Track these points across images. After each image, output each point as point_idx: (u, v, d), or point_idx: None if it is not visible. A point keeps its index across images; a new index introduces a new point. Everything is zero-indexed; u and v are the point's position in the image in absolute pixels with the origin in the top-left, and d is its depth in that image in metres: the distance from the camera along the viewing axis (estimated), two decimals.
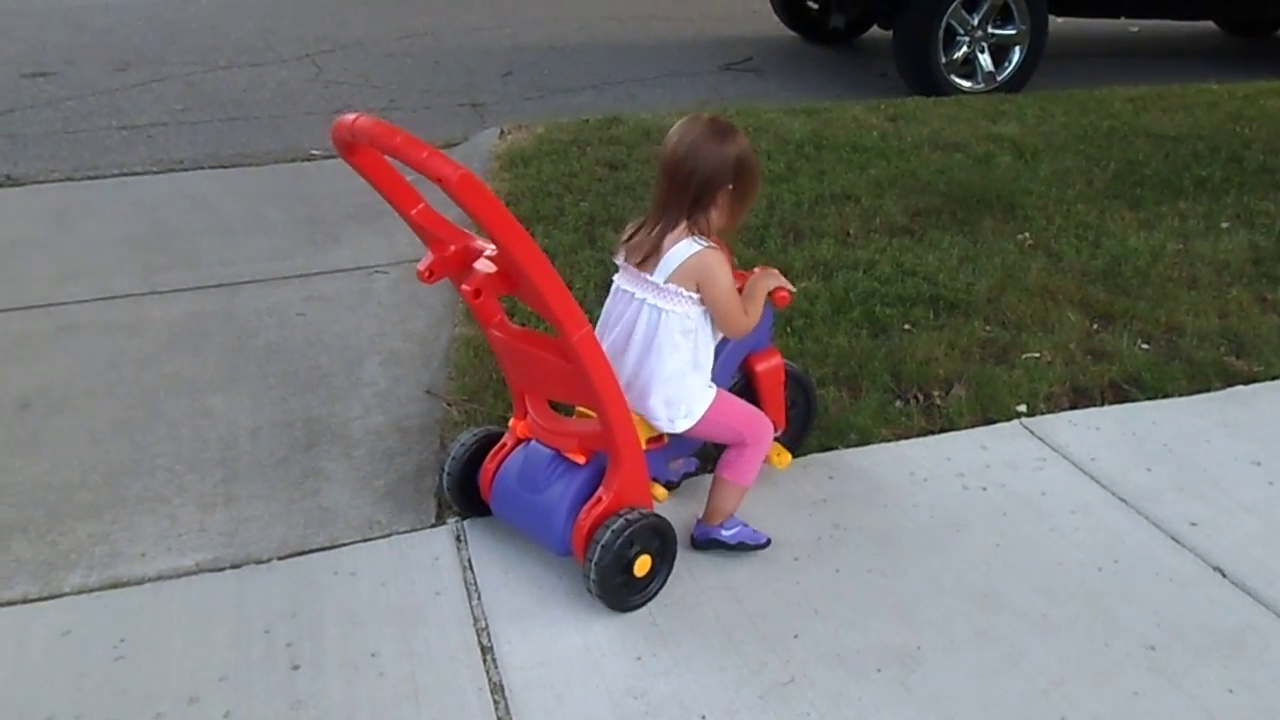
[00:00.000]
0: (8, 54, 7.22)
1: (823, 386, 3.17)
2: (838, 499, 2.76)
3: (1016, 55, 6.75)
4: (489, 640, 2.28)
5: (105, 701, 2.12)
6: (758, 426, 2.50)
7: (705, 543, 2.53)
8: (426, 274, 2.25)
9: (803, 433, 2.91)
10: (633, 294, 2.38)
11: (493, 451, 2.55)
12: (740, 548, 2.52)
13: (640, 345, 2.37)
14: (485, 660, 2.23)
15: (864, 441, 2.99)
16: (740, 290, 2.44)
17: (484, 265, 2.22)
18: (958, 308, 3.68)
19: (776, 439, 2.72)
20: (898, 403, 3.17)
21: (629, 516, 2.29)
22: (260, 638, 2.28)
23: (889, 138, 5.42)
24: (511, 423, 2.55)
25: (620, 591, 2.33)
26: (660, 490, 2.53)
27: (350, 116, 2.06)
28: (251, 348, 3.47)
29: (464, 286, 2.22)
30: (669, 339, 2.34)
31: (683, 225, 2.33)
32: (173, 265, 4.06)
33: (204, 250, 4.19)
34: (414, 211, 2.26)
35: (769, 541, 2.55)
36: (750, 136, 2.48)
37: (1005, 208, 4.55)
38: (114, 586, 2.44)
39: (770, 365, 2.67)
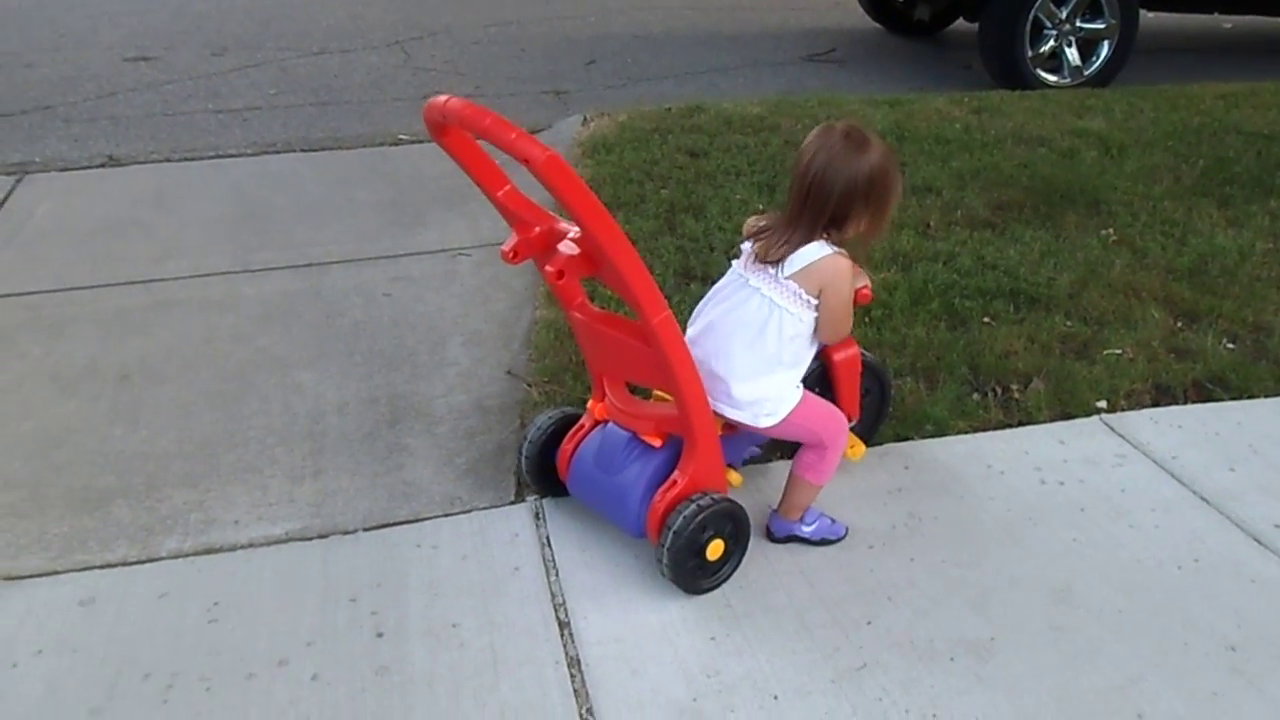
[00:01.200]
0: (111, 39, 7.45)
1: (900, 377, 3.17)
2: (913, 489, 2.76)
3: (1104, 50, 6.61)
4: (566, 615, 2.33)
5: (200, 661, 2.21)
6: (836, 428, 2.49)
7: (784, 538, 2.55)
8: (511, 254, 2.27)
9: (876, 422, 2.91)
10: (747, 279, 2.36)
11: (571, 432, 2.58)
12: (822, 543, 2.54)
13: (741, 332, 2.34)
14: (563, 635, 2.28)
15: (940, 433, 2.99)
16: None
17: (567, 247, 2.24)
18: (1038, 302, 3.65)
19: (851, 429, 2.73)
20: (975, 395, 3.16)
21: (702, 501, 2.31)
22: (346, 605, 2.36)
23: (972, 131, 5.36)
24: (589, 404, 2.58)
25: (693, 575, 2.36)
26: (735, 475, 2.54)
27: (442, 98, 2.09)
28: (339, 326, 3.56)
29: (547, 268, 2.24)
30: (776, 337, 2.31)
31: (815, 237, 2.29)
32: (265, 245, 4.17)
33: (295, 230, 4.31)
34: (500, 193, 2.28)
35: (847, 532, 2.57)
36: None
37: (1089, 203, 4.49)
38: (208, 552, 2.54)
39: (848, 355, 2.66)
